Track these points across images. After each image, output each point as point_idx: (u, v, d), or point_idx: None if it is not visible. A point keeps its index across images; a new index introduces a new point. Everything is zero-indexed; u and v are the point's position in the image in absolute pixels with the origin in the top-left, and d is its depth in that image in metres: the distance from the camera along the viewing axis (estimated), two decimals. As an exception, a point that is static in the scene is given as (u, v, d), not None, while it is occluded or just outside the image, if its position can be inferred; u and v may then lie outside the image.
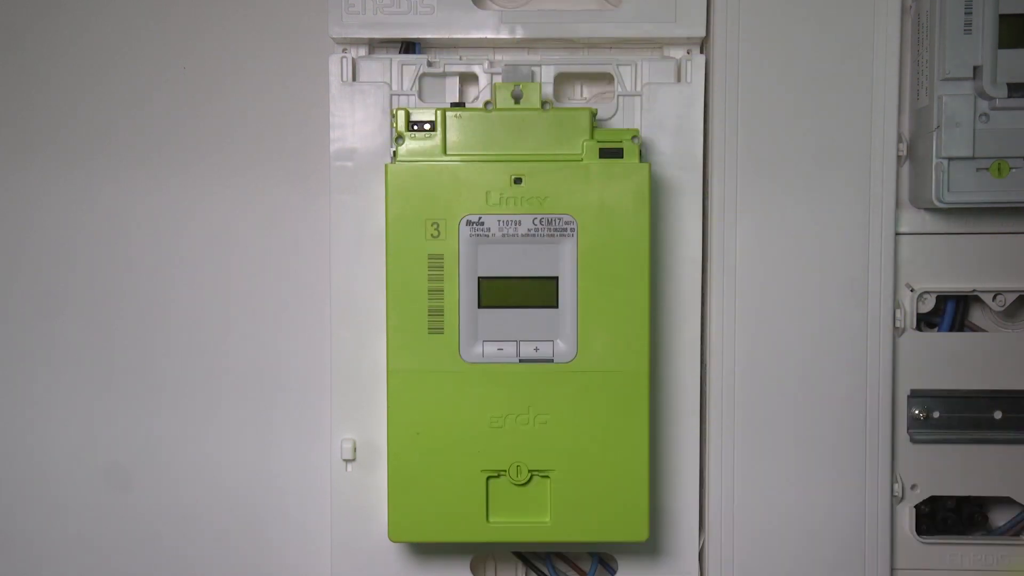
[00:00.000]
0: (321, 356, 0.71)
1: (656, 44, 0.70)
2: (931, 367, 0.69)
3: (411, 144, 0.65)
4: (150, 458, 0.73)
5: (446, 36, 0.68)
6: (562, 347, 0.65)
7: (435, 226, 0.64)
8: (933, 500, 0.71)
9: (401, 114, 0.65)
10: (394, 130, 0.65)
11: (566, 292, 0.64)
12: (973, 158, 0.65)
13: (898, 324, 0.69)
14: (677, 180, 0.68)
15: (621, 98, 0.68)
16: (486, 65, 0.69)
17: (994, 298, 0.69)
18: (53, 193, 0.72)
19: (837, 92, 0.68)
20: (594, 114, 0.65)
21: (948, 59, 0.64)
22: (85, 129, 0.72)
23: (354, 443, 0.69)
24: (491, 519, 0.65)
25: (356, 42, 0.69)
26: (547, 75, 0.69)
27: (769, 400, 0.69)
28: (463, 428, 0.64)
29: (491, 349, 0.65)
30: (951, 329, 0.70)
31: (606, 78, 0.71)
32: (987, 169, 0.65)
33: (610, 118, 0.68)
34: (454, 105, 0.66)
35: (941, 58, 0.64)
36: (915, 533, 0.70)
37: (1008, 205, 0.66)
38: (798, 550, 0.69)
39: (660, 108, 0.68)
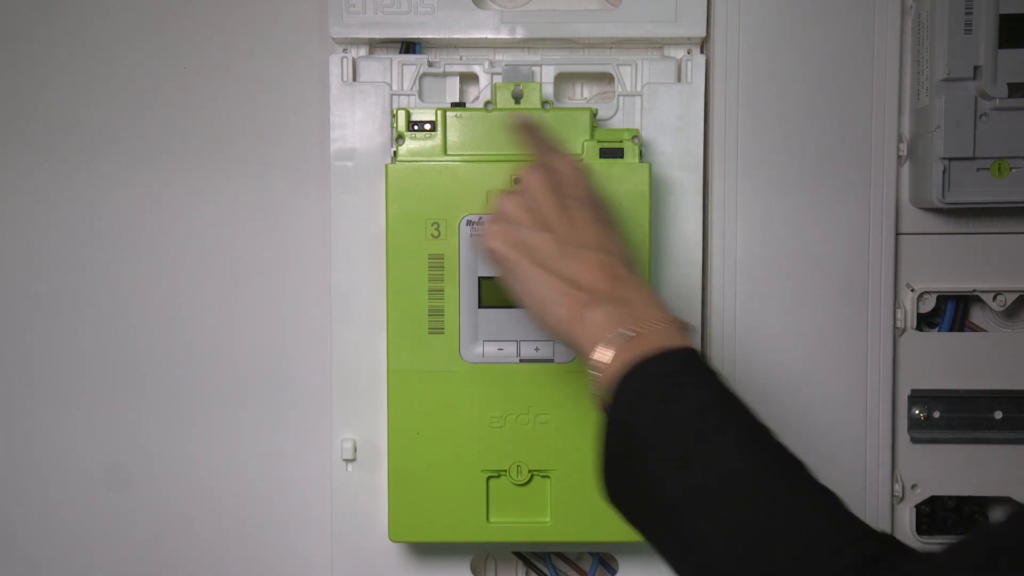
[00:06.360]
0: (321, 356, 0.71)
1: (656, 44, 0.70)
2: (931, 367, 0.69)
3: (411, 144, 0.65)
4: (150, 458, 0.72)
5: (446, 36, 0.68)
6: (562, 347, 0.64)
7: (435, 226, 0.64)
8: (933, 500, 0.71)
9: (401, 114, 0.65)
10: (394, 130, 0.65)
11: (566, 292, 0.64)
12: (973, 158, 0.65)
13: (898, 324, 0.69)
14: (677, 180, 0.68)
15: (621, 98, 0.68)
16: (486, 65, 0.69)
17: (994, 298, 0.69)
18: (51, 195, 0.72)
19: (837, 92, 0.68)
20: (594, 114, 0.65)
21: (948, 59, 0.64)
22: (84, 130, 0.71)
23: (354, 443, 0.69)
24: (491, 519, 0.65)
25: (356, 42, 0.69)
26: (547, 75, 0.68)
27: (769, 400, 0.68)
28: (463, 428, 0.64)
29: (491, 349, 0.65)
30: (951, 329, 0.70)
31: (606, 78, 0.70)
32: (987, 169, 0.65)
33: (610, 118, 0.68)
34: (454, 105, 0.66)
35: (941, 58, 0.64)
36: (915, 533, 0.70)
37: (1008, 205, 0.66)
38: (798, 550, 0.69)
39: (660, 108, 0.68)
